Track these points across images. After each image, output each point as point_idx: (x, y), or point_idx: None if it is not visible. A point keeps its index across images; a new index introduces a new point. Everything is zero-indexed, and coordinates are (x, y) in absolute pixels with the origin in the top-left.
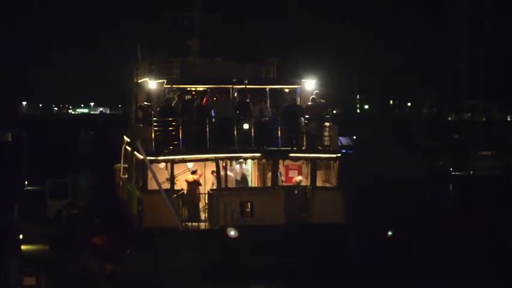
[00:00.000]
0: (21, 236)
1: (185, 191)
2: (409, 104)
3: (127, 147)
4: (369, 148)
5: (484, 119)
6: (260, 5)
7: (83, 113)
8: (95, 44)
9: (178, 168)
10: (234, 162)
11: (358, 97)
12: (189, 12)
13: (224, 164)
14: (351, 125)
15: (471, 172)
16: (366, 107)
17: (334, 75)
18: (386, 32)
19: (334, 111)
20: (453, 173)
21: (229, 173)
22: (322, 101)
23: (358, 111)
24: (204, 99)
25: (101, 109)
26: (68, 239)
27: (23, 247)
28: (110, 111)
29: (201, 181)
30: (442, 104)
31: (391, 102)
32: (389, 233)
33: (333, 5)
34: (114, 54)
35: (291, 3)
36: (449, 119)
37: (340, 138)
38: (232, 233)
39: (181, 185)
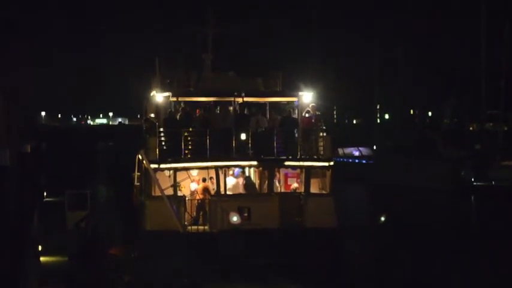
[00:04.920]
0: (40, 247)
1: (197, 197)
2: (429, 114)
3: (139, 156)
4: (389, 158)
5: (505, 129)
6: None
7: (101, 124)
8: (114, 55)
9: (182, 176)
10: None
11: (378, 107)
12: (203, 27)
13: (223, 172)
14: (371, 134)
15: (493, 182)
16: (386, 116)
17: (354, 85)
18: (405, 41)
19: (354, 121)
20: (475, 183)
21: (229, 180)
22: (317, 113)
23: (378, 121)
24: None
25: (119, 120)
26: (86, 251)
27: (41, 258)
28: (128, 121)
29: (210, 188)
30: (463, 114)
31: (411, 111)
32: (382, 218)
33: (351, 14)
34: (134, 64)
35: (310, 14)
36: (471, 129)
37: (360, 148)
38: (234, 218)
39: (185, 191)
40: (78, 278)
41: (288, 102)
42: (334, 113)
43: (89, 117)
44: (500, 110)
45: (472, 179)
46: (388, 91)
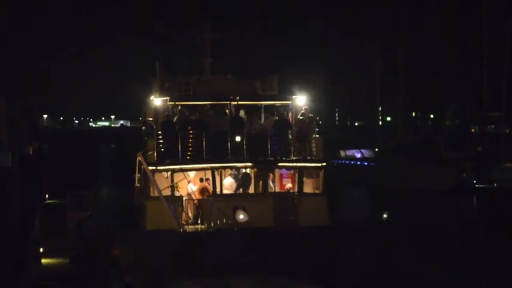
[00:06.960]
0: (41, 249)
1: (195, 197)
2: (431, 116)
3: (139, 158)
4: (391, 160)
5: (507, 131)
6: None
7: (103, 126)
8: (117, 58)
9: (180, 177)
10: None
11: (380, 109)
12: (201, 32)
13: (219, 173)
14: (373, 136)
15: (495, 184)
16: (388, 118)
17: (356, 87)
18: (408, 43)
19: (356, 123)
20: (477, 185)
21: (225, 180)
22: (310, 115)
23: (380, 123)
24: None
25: (121, 122)
26: (88, 252)
27: (43, 260)
28: (130, 124)
29: (209, 188)
30: (465, 116)
31: (413, 114)
32: (385, 215)
33: (352, 16)
34: (136, 67)
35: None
36: (473, 130)
37: (362, 150)
38: (241, 216)
39: (183, 192)
40: (79, 279)
41: (282, 105)
42: (336, 115)
43: (91, 119)
44: (502, 112)
45: (474, 181)
46: (390, 93)
